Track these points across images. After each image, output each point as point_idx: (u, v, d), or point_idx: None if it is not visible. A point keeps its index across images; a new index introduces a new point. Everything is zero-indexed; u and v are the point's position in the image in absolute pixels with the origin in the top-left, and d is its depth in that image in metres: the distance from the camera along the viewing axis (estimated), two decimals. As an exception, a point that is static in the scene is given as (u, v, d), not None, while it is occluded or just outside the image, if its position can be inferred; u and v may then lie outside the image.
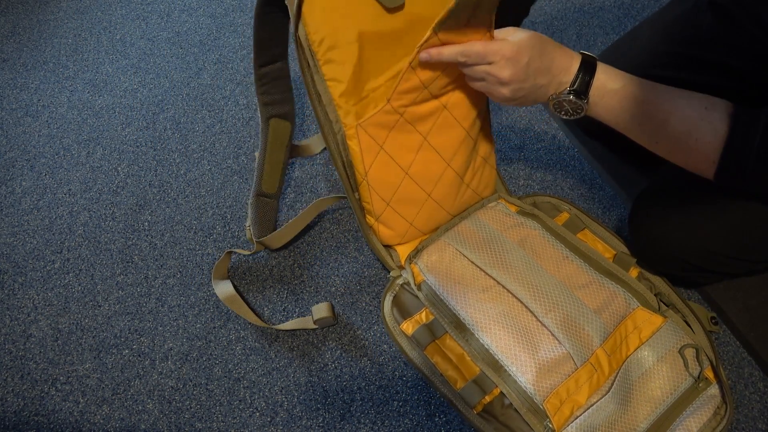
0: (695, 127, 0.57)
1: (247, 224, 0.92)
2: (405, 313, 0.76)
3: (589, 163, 0.99)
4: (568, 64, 0.61)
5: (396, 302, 0.77)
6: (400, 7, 0.65)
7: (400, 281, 0.78)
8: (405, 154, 0.72)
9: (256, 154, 0.98)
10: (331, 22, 0.64)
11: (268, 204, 0.96)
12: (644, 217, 0.74)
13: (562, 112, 0.64)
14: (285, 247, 0.93)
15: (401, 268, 0.80)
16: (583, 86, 0.61)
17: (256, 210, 0.94)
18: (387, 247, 0.82)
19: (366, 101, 0.69)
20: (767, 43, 0.68)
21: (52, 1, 1.34)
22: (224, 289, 0.85)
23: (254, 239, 0.88)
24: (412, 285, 0.77)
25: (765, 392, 0.76)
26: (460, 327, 0.72)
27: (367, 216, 0.78)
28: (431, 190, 0.77)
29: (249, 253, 0.87)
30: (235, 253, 0.88)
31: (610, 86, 0.60)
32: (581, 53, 0.62)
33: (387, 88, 0.69)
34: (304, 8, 0.63)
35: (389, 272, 0.81)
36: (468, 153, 0.77)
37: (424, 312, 0.75)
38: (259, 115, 1.05)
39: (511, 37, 0.60)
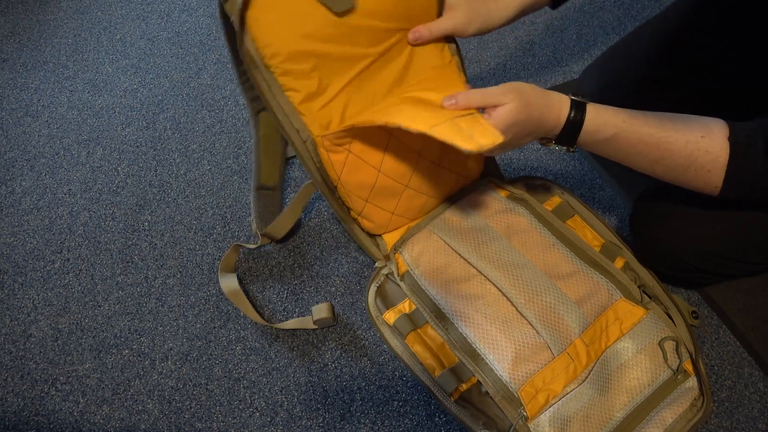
0: (693, 160, 0.57)
1: (252, 218, 0.92)
2: (388, 303, 0.77)
3: (589, 163, 0.99)
4: (554, 123, 0.60)
5: (380, 292, 0.78)
6: (350, 10, 0.64)
7: (385, 271, 0.79)
8: (374, 153, 0.71)
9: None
10: (281, 33, 0.63)
11: (269, 196, 0.96)
12: (645, 218, 0.74)
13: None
14: (288, 237, 0.93)
15: (387, 258, 0.80)
16: (570, 140, 0.61)
17: (257, 203, 0.94)
18: (374, 236, 0.83)
19: (329, 106, 0.68)
20: None
21: (52, 1, 1.34)
22: (229, 283, 0.85)
23: (258, 232, 0.89)
24: (396, 275, 0.78)
25: (765, 392, 0.76)
26: (441, 317, 0.72)
27: (351, 211, 0.79)
28: (407, 182, 0.76)
29: (255, 246, 0.87)
30: (242, 247, 0.88)
31: (600, 137, 0.60)
32: (571, 99, 0.60)
33: (347, 92, 0.69)
34: (250, 23, 0.62)
35: (375, 262, 0.82)
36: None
37: (407, 302, 0.76)
38: (249, 110, 1.04)
39: (495, 111, 0.58)
